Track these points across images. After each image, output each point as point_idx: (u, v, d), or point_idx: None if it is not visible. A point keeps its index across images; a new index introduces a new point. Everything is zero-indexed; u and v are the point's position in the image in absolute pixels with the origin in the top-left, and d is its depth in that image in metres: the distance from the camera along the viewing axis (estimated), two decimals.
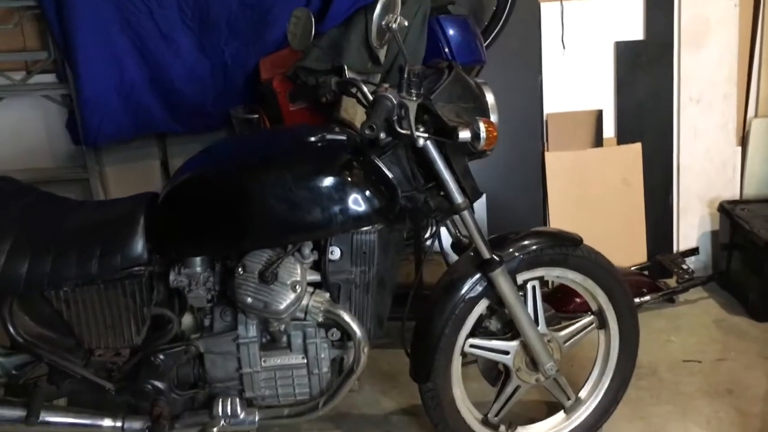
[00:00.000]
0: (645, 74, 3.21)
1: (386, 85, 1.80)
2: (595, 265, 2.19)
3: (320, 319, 1.91)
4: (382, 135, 1.85)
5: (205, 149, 2.06)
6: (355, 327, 1.92)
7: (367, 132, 1.65)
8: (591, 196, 3.22)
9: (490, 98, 1.98)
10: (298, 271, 1.87)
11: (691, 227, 3.35)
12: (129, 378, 1.99)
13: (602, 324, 2.28)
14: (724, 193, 3.32)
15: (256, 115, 2.67)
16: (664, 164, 3.28)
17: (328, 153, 1.90)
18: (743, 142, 3.31)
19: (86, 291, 1.90)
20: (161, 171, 3.13)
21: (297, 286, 1.86)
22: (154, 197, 1.98)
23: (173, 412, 1.99)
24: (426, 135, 1.81)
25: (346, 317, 1.92)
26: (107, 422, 1.97)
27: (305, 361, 1.99)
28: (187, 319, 2.03)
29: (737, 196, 3.33)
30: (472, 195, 1.96)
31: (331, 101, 2.18)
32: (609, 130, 3.24)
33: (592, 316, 2.28)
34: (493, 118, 1.94)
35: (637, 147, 3.24)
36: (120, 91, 2.77)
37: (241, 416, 1.99)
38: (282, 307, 1.84)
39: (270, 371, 1.99)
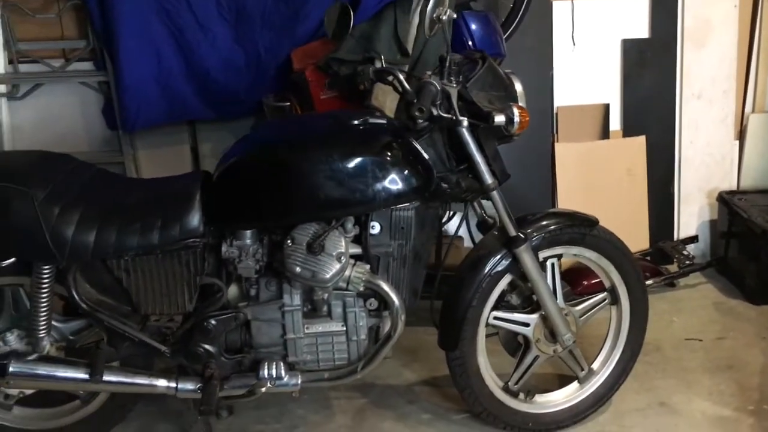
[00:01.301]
0: (650, 71, 3.39)
1: (429, 73, 1.97)
2: (609, 244, 2.36)
3: (361, 289, 2.08)
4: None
5: (254, 131, 2.22)
6: (393, 296, 2.09)
7: (417, 114, 1.82)
8: (597, 185, 3.40)
9: (518, 87, 2.15)
10: (343, 243, 2.04)
11: (691, 216, 3.54)
12: (182, 342, 2.15)
13: (614, 300, 2.46)
14: (722, 185, 3.51)
15: (288, 103, 2.83)
16: (666, 156, 3.47)
17: (372, 135, 2.06)
18: (741, 136, 3.50)
19: (145, 260, 2.06)
20: (191, 156, 3.29)
21: (342, 258, 2.02)
22: (208, 175, 2.15)
23: (222, 374, 2.15)
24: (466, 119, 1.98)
25: (385, 287, 2.08)
26: (162, 382, 2.13)
27: (344, 328, 2.16)
28: (233, 289, 2.19)
29: (734, 188, 3.53)
30: (501, 176, 2.13)
31: (366, 89, 2.36)
32: (615, 123, 3.42)
33: (605, 293, 2.46)
34: (521, 105, 2.12)
35: (642, 139, 3.42)
36: (158, 80, 2.93)
37: (285, 379, 2.15)
38: (328, 276, 2.01)
39: (312, 337, 2.16)
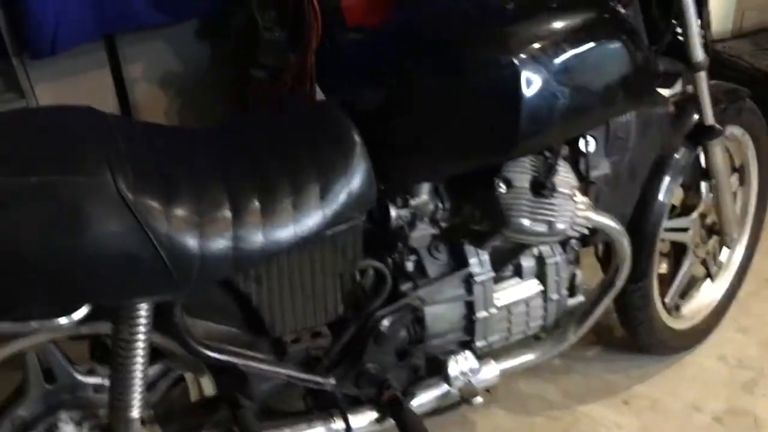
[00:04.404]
0: None
1: None
2: (756, 118, 2.00)
3: (585, 232, 1.50)
4: None
5: (402, 13, 1.46)
6: (622, 235, 1.55)
7: None
8: None
9: None
10: (572, 174, 1.43)
11: None
12: (340, 363, 1.44)
13: (742, 180, 2.13)
14: None
15: None
16: None
17: (588, 9, 1.40)
18: None
19: (284, 258, 1.29)
20: (113, 82, 2.30)
21: (576, 194, 1.42)
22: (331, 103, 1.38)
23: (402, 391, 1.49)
24: None
25: (613, 224, 1.53)
26: (330, 427, 1.41)
27: (541, 287, 1.59)
28: None
29: None
30: (710, 50, 1.63)
31: None
32: None
33: (736, 173, 2.12)
34: None
35: None
36: None
37: (482, 371, 1.55)
38: (567, 224, 1.40)
39: (504, 310, 1.56)
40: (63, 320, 1.11)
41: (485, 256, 1.50)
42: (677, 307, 2.07)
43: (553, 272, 1.58)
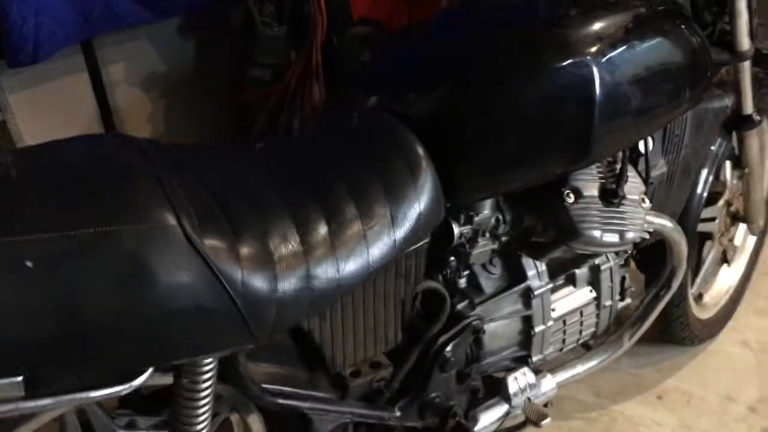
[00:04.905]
0: None
1: None
2: None
3: (647, 237, 1.43)
4: None
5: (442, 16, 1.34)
6: (681, 236, 1.48)
7: None
8: None
9: None
10: (639, 179, 1.35)
11: None
12: (400, 393, 1.33)
13: None
14: None
15: None
16: None
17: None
18: None
19: None
20: (91, 87, 2.11)
21: (644, 200, 1.35)
22: (387, 114, 1.25)
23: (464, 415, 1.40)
24: None
25: (672, 225, 1.46)
26: None
27: (594, 293, 1.52)
28: None
29: None
30: (756, 36, 1.57)
31: None
32: None
33: None
34: None
35: None
36: None
37: (541, 386, 1.48)
38: (638, 233, 1.33)
39: (559, 322, 1.49)
40: (122, 387, 0.96)
41: (543, 268, 1.42)
42: (701, 296, 2.04)
43: (607, 278, 1.51)
